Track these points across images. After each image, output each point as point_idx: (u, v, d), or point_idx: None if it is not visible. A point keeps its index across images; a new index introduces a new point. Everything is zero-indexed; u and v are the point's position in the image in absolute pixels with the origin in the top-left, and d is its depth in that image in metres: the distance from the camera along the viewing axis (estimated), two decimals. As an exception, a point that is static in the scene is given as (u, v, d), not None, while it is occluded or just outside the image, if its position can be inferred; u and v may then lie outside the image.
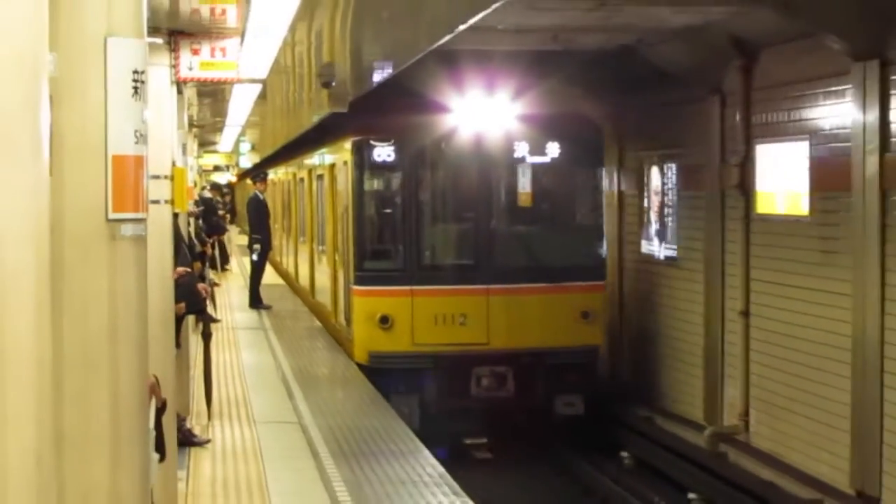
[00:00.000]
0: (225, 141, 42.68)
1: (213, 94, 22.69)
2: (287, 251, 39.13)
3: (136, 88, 6.54)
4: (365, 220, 21.41)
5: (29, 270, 2.59)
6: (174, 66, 12.38)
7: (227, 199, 50.85)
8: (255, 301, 29.61)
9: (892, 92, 14.28)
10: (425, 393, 19.96)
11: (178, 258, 13.61)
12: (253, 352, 22.40)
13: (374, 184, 21.96)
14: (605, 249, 22.65)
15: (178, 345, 13.45)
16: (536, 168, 21.78)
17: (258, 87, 21.13)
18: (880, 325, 14.57)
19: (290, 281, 37.10)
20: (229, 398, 17.39)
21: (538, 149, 21.21)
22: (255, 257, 29.53)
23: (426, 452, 13.84)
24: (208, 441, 14.48)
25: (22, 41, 2.58)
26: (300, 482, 12.62)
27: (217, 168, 57.40)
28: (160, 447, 8.32)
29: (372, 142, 20.63)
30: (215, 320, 21.34)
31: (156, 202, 10.87)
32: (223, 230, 36.19)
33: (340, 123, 22.69)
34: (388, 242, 22.12)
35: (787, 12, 15.36)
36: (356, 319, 20.87)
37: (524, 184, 21.99)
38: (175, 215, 13.07)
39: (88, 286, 6.41)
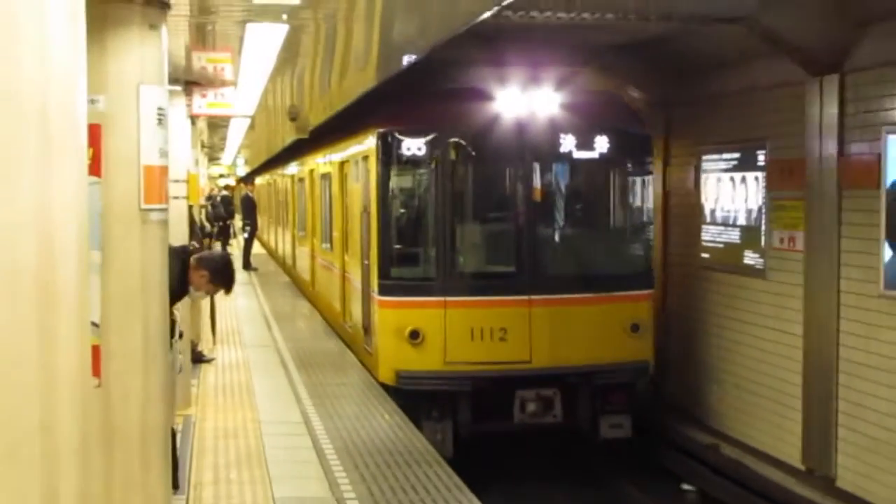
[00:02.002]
0: (226, 156, 42.30)
1: (217, 125, 22.41)
2: (284, 244, 29.66)
3: (160, 119, 6.51)
4: (391, 222, 13.27)
5: (72, 240, 2.59)
6: (188, 105, 12.31)
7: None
8: (247, 265, 29.52)
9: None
10: (461, 418, 12.61)
11: (193, 236, 13.50)
12: (244, 299, 22.26)
13: (401, 181, 13.60)
14: (651, 253, 14.19)
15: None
16: (584, 164, 13.52)
17: (248, 121, 20.93)
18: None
19: (288, 269, 28.24)
20: (227, 330, 17.30)
21: (586, 143, 13.10)
22: (246, 236, 30.81)
23: (363, 367, 13.81)
24: (213, 359, 14.41)
25: (66, 88, 2.58)
26: (275, 385, 12.61)
27: (221, 175, 56.71)
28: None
29: (399, 133, 12.87)
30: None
31: (176, 198, 10.79)
32: (233, 216, 36.86)
33: (357, 117, 15.03)
34: (416, 247, 13.73)
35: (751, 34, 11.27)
36: (381, 334, 12.98)
37: (571, 181, 14.01)
38: (190, 207, 12.95)
39: (128, 254, 6.39)
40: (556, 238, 13.83)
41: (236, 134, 26.72)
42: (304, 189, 23.24)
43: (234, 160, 45.92)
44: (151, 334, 6.52)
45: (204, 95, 12.51)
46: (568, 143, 13.06)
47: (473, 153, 13.13)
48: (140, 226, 6.44)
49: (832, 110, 10.95)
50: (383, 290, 12.92)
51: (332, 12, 8.40)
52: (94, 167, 6.21)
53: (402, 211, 13.72)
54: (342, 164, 16.52)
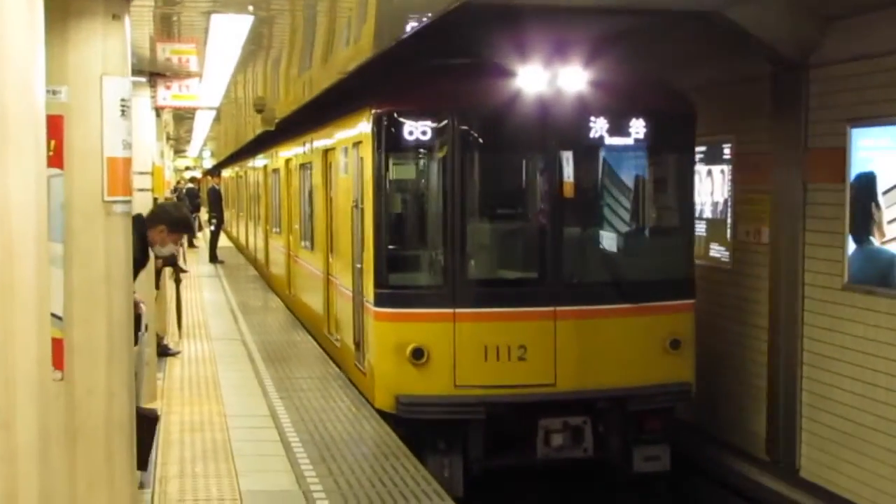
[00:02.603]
0: (192, 149, 42.04)
1: (182, 117, 22.21)
2: (255, 238, 27.62)
3: (123, 111, 6.46)
4: (389, 220, 10.79)
5: (30, 232, 2.53)
6: (153, 97, 12.22)
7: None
8: (213, 258, 29.38)
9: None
10: (472, 452, 10.26)
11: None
12: (210, 292, 22.15)
13: (402, 171, 11.09)
14: (693, 258, 11.63)
15: (157, 286, 13.27)
16: (619, 152, 11.03)
17: (214, 113, 20.80)
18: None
19: (259, 267, 26.14)
20: (194, 323, 17.19)
21: (619, 128, 10.66)
22: (212, 228, 30.67)
23: (329, 360, 13.75)
24: (179, 352, 14.30)
25: (23, 78, 2.53)
26: (242, 378, 12.54)
27: (188, 168, 56.38)
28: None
29: (400, 115, 10.37)
30: (184, 271, 19.80)
31: (141, 189, 10.72)
32: (199, 209, 36.65)
33: (345, 99, 12.58)
34: (420, 249, 11.13)
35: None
36: (377, 352, 10.63)
37: (603, 173, 11.16)
38: (155, 199, 12.84)
39: (91, 246, 6.33)
40: (586, 239, 11.10)
41: (202, 126, 26.54)
42: (279, 181, 20.63)
43: (201, 152, 45.67)
44: (116, 327, 6.45)
45: (169, 87, 12.41)
46: (600, 127, 10.61)
47: (488, 138, 10.67)
48: (104, 218, 6.37)
49: (797, 105, 11.00)
50: (380, 301, 10.54)
51: (312, 1, 8.28)
52: (57, 159, 6.14)
53: (404, 206, 11.17)
54: (326, 152, 13.98)
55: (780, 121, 11.35)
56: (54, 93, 6.04)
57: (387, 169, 10.63)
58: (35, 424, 2.50)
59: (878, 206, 9.76)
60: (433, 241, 10.83)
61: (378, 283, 10.62)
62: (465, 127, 10.47)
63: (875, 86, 9.94)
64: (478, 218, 10.91)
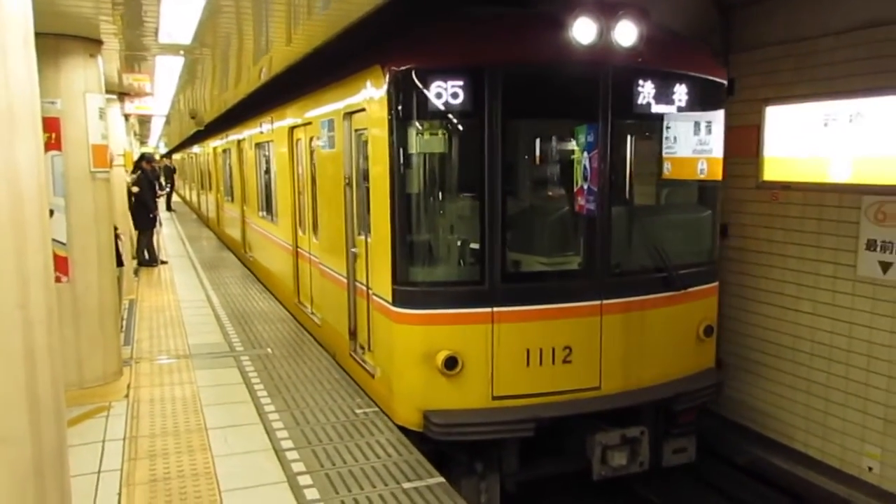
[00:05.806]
0: (152, 140, 39.47)
1: (144, 120, 20.79)
2: (206, 201, 20.08)
3: (100, 115, 6.08)
4: (411, 204, 4.31)
5: (33, 187, 2.42)
6: (122, 107, 11.40)
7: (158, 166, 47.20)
8: (168, 208, 28.06)
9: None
10: (507, 467, 4.62)
11: (151, 191, 12.70)
12: (167, 228, 21.03)
13: (426, 142, 4.07)
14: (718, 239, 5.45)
15: (158, 223, 12.47)
16: (664, 124, 4.71)
17: (164, 117, 19.55)
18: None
19: (211, 224, 18.79)
20: (156, 246, 16.27)
21: (665, 95, 4.53)
22: (168, 190, 29.29)
23: (243, 266, 13.24)
24: (166, 262, 13.33)
25: (23, 90, 2.39)
26: (188, 278, 11.98)
27: (147, 153, 52.67)
28: (119, 262, 7.83)
29: (425, 73, 4.00)
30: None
31: (117, 165, 10.03)
32: (158, 178, 34.43)
33: (342, 56, 5.51)
34: (450, 238, 4.53)
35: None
36: (399, 360, 4.58)
37: (652, 148, 4.71)
38: (126, 170, 11.98)
39: (82, 199, 5.98)
40: (632, 224, 5.49)
41: (157, 126, 24.94)
42: (230, 159, 13.88)
43: (158, 142, 42.90)
44: (102, 248, 6.16)
45: (132, 101, 11.60)
46: (647, 94, 5.14)
47: (532, 104, 4.97)
48: (91, 181, 6.03)
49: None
50: (401, 300, 4.99)
51: (225, 48, 7.84)
52: (57, 144, 5.74)
53: (429, 187, 5.04)
54: (291, 129, 7.79)
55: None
56: (52, 102, 5.62)
57: (408, 140, 4.87)
58: (44, 305, 2.39)
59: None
60: (467, 228, 5.15)
61: (399, 279, 5.09)
62: (503, 88, 4.83)
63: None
64: (518, 201, 5.39)
